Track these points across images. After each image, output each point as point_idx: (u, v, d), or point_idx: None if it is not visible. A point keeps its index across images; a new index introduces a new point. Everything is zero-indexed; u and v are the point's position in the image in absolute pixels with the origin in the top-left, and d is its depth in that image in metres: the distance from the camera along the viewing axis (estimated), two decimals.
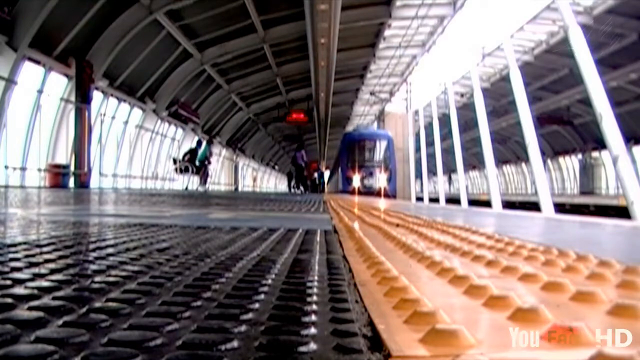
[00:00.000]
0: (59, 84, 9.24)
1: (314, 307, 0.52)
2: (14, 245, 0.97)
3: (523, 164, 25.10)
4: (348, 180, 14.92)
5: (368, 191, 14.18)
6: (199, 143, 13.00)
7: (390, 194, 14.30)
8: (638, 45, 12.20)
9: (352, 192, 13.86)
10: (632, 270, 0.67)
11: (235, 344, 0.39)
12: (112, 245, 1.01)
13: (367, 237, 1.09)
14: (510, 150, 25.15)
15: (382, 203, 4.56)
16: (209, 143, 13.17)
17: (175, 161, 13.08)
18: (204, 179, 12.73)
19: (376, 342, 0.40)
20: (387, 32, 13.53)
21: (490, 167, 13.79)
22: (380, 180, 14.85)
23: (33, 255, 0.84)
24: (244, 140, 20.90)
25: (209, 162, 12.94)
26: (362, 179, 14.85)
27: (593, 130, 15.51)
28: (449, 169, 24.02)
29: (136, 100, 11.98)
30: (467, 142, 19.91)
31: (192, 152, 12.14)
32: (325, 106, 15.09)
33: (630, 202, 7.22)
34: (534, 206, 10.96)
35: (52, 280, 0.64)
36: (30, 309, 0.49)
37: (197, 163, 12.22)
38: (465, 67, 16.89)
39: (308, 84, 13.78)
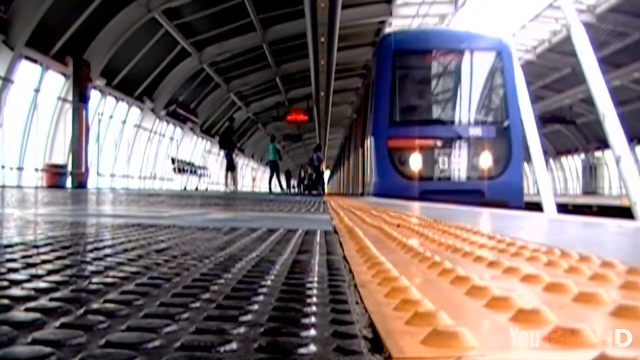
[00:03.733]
0: (56, 83, 9.21)
1: (314, 308, 0.51)
2: (11, 246, 0.96)
3: (525, 164, 24.99)
4: (393, 162, 5.71)
5: (447, 190, 5.46)
6: (228, 128, 10.85)
7: (512, 201, 5.30)
8: None
9: (402, 193, 5.28)
10: (635, 271, 0.66)
11: (234, 345, 0.39)
12: (109, 246, 1.01)
13: (367, 237, 1.09)
14: None
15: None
16: (274, 140, 11.95)
17: (173, 161, 12.94)
18: (285, 180, 11.62)
19: (377, 343, 0.40)
20: (387, 31, 13.50)
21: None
22: (480, 162, 5.61)
23: (30, 256, 0.83)
24: (243, 140, 20.88)
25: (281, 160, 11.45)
26: (432, 160, 5.65)
27: (596, 130, 15.49)
28: None
29: (134, 99, 11.96)
30: None
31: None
32: (325, 105, 14.81)
33: (634, 202, 7.14)
34: (536, 206, 10.77)
35: (49, 282, 0.63)
36: (27, 310, 0.49)
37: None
38: None
39: (308, 83, 13.75)
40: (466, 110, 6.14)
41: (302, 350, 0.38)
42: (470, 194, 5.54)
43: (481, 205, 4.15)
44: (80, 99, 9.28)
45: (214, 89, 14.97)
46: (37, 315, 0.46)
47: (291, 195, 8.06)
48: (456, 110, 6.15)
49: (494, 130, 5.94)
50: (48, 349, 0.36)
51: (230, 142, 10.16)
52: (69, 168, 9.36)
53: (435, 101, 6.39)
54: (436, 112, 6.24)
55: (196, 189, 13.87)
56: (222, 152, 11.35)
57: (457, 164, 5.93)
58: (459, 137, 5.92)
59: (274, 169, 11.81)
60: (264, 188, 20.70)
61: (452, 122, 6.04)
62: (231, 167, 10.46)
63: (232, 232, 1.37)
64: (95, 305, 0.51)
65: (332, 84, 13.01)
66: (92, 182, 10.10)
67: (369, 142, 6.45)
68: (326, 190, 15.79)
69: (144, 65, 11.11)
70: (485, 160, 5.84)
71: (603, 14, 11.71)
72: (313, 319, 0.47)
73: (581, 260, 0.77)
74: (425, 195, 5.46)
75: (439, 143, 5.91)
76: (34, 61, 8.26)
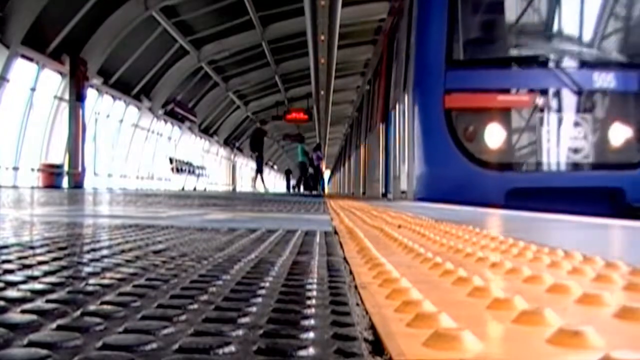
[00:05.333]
0: (52, 81, 9.16)
1: (314, 310, 0.51)
2: (7, 247, 0.95)
3: None
4: (454, 135, 2.97)
5: (556, 189, 2.93)
6: (259, 131, 10.40)
7: None
8: None
9: (471, 194, 2.88)
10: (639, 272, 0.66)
11: (233, 348, 0.38)
12: (106, 247, 1.00)
13: (368, 238, 1.08)
14: None
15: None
16: (302, 142, 12.04)
17: (171, 160, 12.89)
18: (312, 182, 11.21)
19: (378, 346, 0.39)
20: None
21: None
22: (616, 136, 2.95)
23: (26, 257, 0.83)
24: (242, 140, 20.84)
25: (312, 164, 11.31)
26: (528, 132, 2.98)
27: None
28: None
29: (131, 98, 11.92)
30: None
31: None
32: (325, 104, 14.75)
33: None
34: None
35: (45, 283, 0.63)
36: (23, 312, 0.48)
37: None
38: None
39: (308, 82, 13.72)
40: (587, 42, 3.22)
41: (302, 353, 0.37)
42: (598, 196, 2.96)
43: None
44: (77, 97, 9.24)
45: (213, 87, 14.94)
46: (33, 317, 0.46)
47: (290, 196, 8.04)
48: (568, 43, 3.20)
49: (637, 79, 3.08)
50: (44, 351, 0.36)
51: (261, 144, 10.02)
52: (66, 168, 9.32)
53: (530, 25, 3.28)
54: (532, 45, 3.23)
55: (194, 189, 13.84)
56: (220, 152, 11.21)
57: (575, 141, 3.11)
58: (577, 91, 3.09)
59: (303, 170, 11.68)
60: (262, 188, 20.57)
61: (563, 64, 3.15)
62: (262, 168, 10.35)
63: (230, 233, 1.36)
64: (92, 307, 0.51)
65: (332, 83, 12.97)
66: (89, 182, 10.05)
67: (407, 106, 3.54)
68: (326, 191, 15.44)
69: (142, 63, 11.08)
70: (625, 133, 3.06)
71: None
72: (313, 321, 0.46)
73: (585, 261, 0.77)
74: (517, 198, 2.92)
75: (539, 101, 3.10)
76: (30, 59, 8.22)
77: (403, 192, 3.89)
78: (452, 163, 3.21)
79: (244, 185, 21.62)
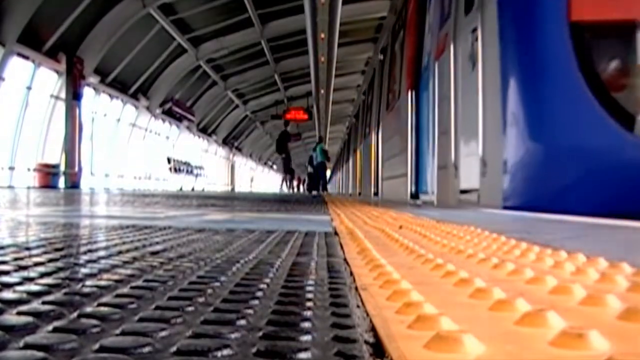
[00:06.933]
0: (48, 80, 9.11)
1: (314, 312, 0.51)
2: (2, 247, 0.95)
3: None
4: (595, 82, 1.35)
5: None
6: (285, 133, 10.49)
7: None
8: None
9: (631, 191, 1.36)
10: None
11: (231, 350, 0.38)
12: (103, 248, 1.00)
13: (369, 239, 1.08)
14: None
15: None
16: (320, 141, 11.80)
17: (169, 160, 12.87)
18: (322, 183, 11.03)
19: (378, 348, 0.39)
20: None
21: None
22: None
23: (22, 258, 0.82)
24: (241, 139, 20.82)
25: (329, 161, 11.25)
26: None
27: None
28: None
29: (129, 97, 11.88)
30: None
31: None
32: (325, 103, 14.72)
33: None
34: None
35: (41, 284, 0.62)
36: (19, 313, 0.48)
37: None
38: None
39: (308, 81, 13.70)
40: None
41: (302, 355, 0.37)
42: None
43: None
44: (74, 96, 9.21)
45: (211, 86, 14.91)
46: (29, 319, 0.45)
47: (291, 197, 8.04)
48: None
49: None
50: (40, 354, 0.36)
51: (286, 146, 9.97)
52: (62, 168, 9.28)
53: None
54: None
55: (192, 189, 13.82)
56: (219, 151, 11.15)
57: None
58: None
59: (322, 170, 11.57)
60: (261, 189, 20.51)
61: None
62: (289, 170, 10.36)
63: (229, 233, 1.36)
64: (88, 309, 0.50)
65: (332, 81, 12.95)
66: (85, 182, 10.02)
67: (480, 33, 2.32)
68: (328, 191, 15.32)
69: (139, 62, 11.04)
70: None
71: None
72: (313, 323, 0.46)
73: (588, 262, 0.77)
74: None
75: None
76: (26, 58, 8.17)
77: (465, 191, 2.51)
78: (587, 132, 1.79)
79: (243, 185, 21.60)
